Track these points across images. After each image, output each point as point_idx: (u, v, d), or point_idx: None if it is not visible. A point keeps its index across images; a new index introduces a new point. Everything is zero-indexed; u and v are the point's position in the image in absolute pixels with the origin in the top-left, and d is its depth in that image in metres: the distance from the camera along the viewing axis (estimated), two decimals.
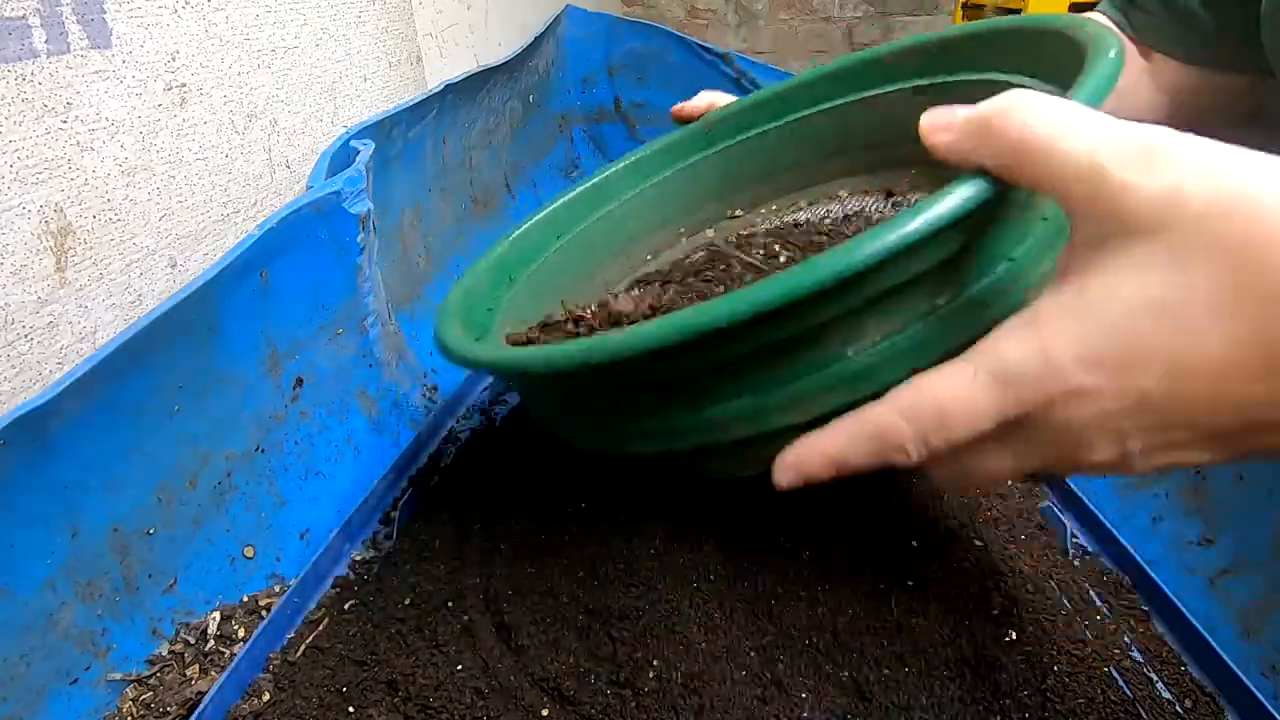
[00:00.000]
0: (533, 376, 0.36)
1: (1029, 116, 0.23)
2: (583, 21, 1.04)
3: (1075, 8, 1.38)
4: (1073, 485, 0.48)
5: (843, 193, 0.51)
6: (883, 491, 0.42)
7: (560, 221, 0.53)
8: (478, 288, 0.45)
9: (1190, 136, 0.22)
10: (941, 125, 0.26)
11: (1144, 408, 0.22)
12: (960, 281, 0.28)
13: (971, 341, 0.25)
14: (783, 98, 0.52)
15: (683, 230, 0.56)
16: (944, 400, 0.24)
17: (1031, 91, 0.25)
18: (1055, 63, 0.34)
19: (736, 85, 1.02)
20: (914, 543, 0.39)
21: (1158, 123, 0.23)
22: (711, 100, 0.55)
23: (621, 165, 0.55)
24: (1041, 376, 0.23)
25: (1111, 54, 0.29)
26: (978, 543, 0.40)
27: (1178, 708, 0.36)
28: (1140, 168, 0.21)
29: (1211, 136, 0.22)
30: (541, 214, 0.52)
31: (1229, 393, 0.21)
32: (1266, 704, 0.35)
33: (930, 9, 2.07)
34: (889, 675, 0.33)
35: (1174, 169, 0.21)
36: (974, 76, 0.41)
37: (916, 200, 0.45)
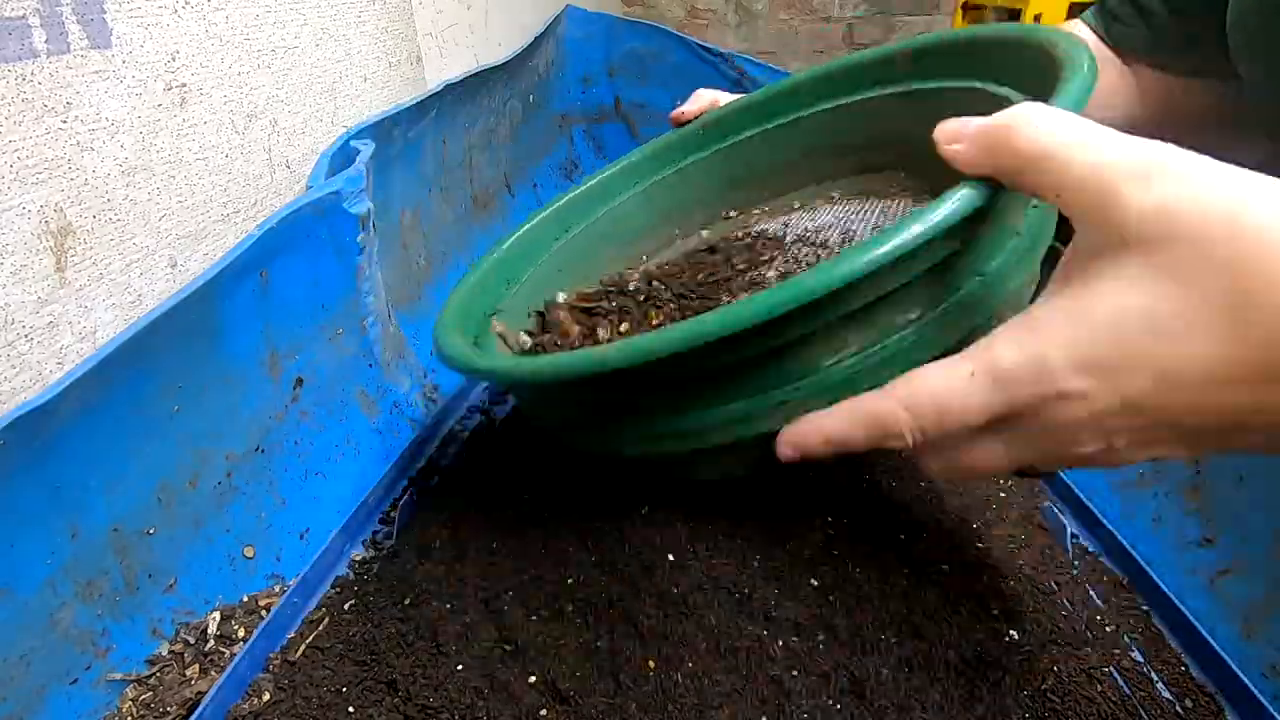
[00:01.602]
0: (531, 385, 0.37)
1: (1038, 129, 0.25)
2: (583, 21, 1.04)
3: (1076, 7, 1.38)
4: (1073, 485, 0.48)
5: (835, 194, 0.51)
6: (883, 493, 0.42)
7: (557, 224, 0.53)
8: (476, 293, 0.46)
9: (1190, 155, 0.23)
10: (955, 135, 0.27)
11: (1132, 410, 0.23)
12: (935, 296, 0.29)
13: (947, 353, 0.27)
14: (776, 100, 0.53)
15: (678, 231, 0.56)
16: (941, 394, 0.25)
17: (1039, 105, 0.26)
18: (1033, 73, 0.36)
19: (736, 85, 1.02)
20: (914, 544, 0.39)
21: (1138, 129, 0.24)
22: (711, 99, 0.55)
23: (618, 167, 0.56)
24: (1035, 378, 0.24)
25: (1085, 68, 0.30)
26: (978, 543, 0.40)
27: (1178, 708, 0.36)
28: (1140, 183, 0.22)
29: (1189, 141, 0.23)
30: (539, 217, 0.53)
31: (1213, 399, 0.22)
32: (1266, 704, 0.35)
33: (930, 9, 2.07)
34: (889, 675, 0.33)
35: (1171, 187, 0.22)
36: (958, 84, 0.42)
37: (906, 205, 0.45)
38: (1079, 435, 0.24)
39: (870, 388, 0.28)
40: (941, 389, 0.25)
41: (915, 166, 0.47)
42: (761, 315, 0.26)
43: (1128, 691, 0.35)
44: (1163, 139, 0.24)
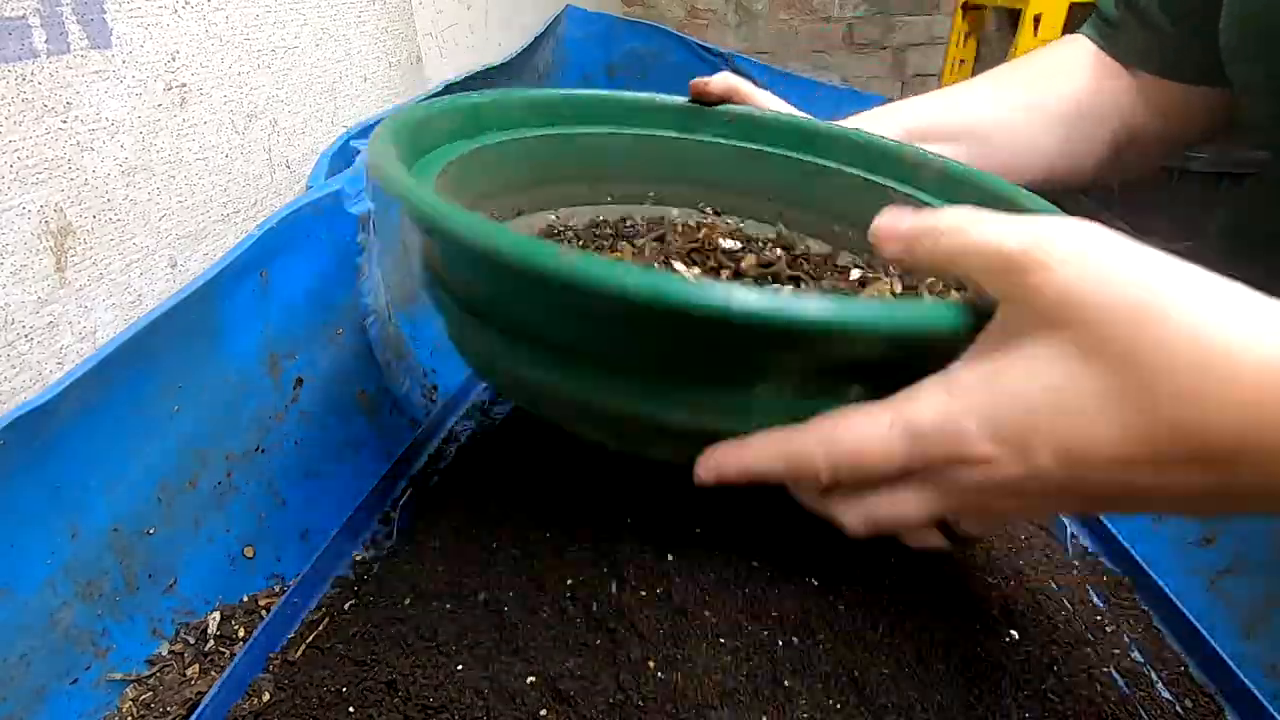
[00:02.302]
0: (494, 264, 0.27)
1: (949, 227, 0.27)
2: (583, 21, 1.04)
3: (1076, 8, 1.38)
4: None
5: (817, 245, 0.52)
6: None
7: (545, 112, 0.49)
8: (435, 123, 0.41)
9: (1109, 234, 0.24)
10: (888, 236, 0.29)
11: (1039, 479, 0.24)
12: (879, 387, 0.29)
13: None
14: (802, 134, 0.52)
15: (653, 194, 0.54)
16: (860, 440, 0.27)
17: (947, 209, 0.27)
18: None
19: None
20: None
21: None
22: (730, 86, 0.53)
23: (633, 97, 0.52)
24: (949, 439, 0.25)
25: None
26: (978, 543, 0.40)
27: (1178, 708, 0.36)
28: (1053, 265, 0.24)
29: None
30: (534, 95, 0.48)
31: (1117, 477, 0.23)
32: (1266, 704, 0.35)
33: (930, 8, 2.07)
34: (889, 675, 0.33)
35: (1082, 268, 0.23)
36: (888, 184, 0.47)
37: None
38: (990, 495, 0.26)
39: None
40: (860, 435, 0.27)
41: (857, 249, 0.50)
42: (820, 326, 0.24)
43: (1128, 691, 0.35)
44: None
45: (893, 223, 0.28)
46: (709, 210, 0.55)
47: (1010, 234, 0.25)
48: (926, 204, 0.46)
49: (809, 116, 0.53)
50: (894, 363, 0.28)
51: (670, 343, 0.28)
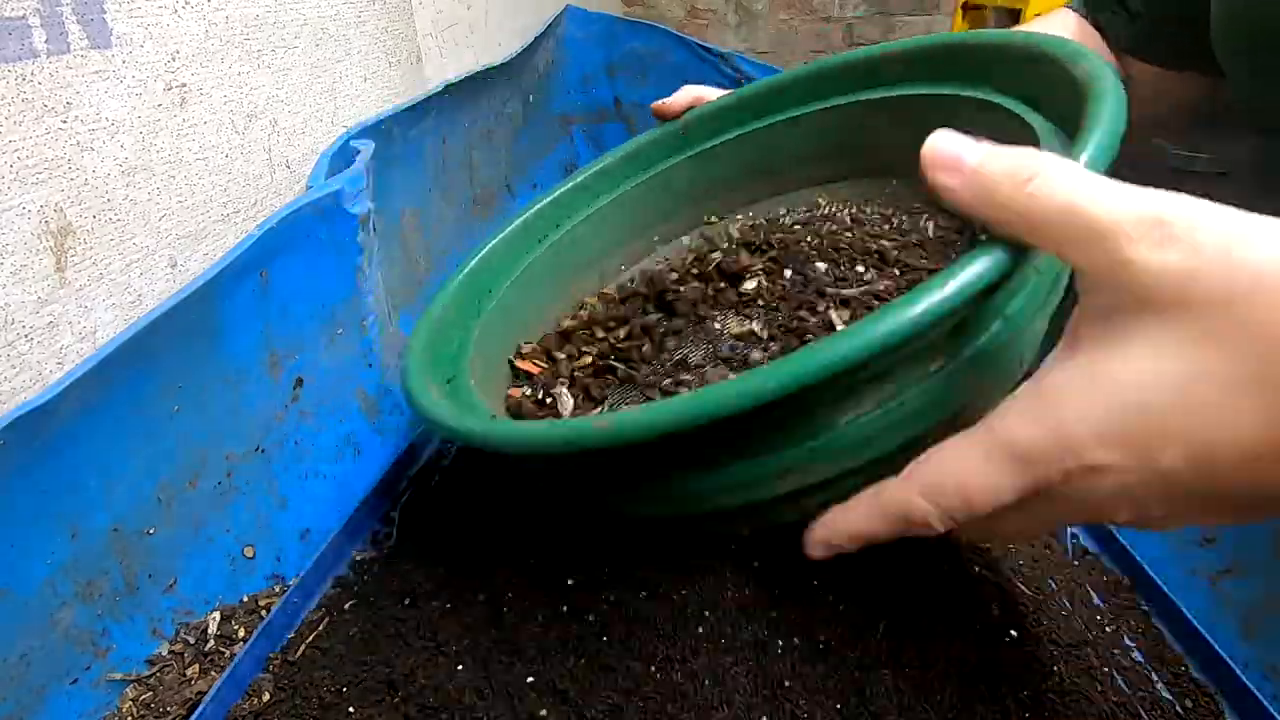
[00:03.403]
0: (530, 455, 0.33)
1: (1041, 181, 0.23)
2: (583, 21, 1.04)
3: None
4: None
5: (820, 200, 0.50)
6: None
7: (533, 233, 0.50)
8: (447, 315, 0.43)
9: (1204, 205, 0.21)
10: (946, 165, 0.25)
11: (1165, 484, 0.22)
12: (957, 344, 0.27)
13: (969, 404, 0.25)
14: (764, 99, 0.50)
15: (657, 238, 0.54)
16: (963, 479, 0.24)
17: (1042, 154, 0.24)
18: (1049, 93, 0.33)
19: (735, 85, 1.02)
20: (914, 545, 0.38)
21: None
22: (695, 96, 0.53)
23: (593, 170, 0.53)
24: (1059, 454, 0.23)
25: (1115, 100, 0.27)
26: (978, 544, 0.40)
27: (1178, 708, 0.36)
28: (1154, 241, 0.21)
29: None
30: (513, 226, 0.49)
31: (1252, 473, 0.21)
32: (1266, 704, 0.35)
33: (930, 8, 2.07)
34: (889, 676, 0.33)
35: (1188, 243, 0.21)
36: (962, 93, 0.39)
37: (899, 218, 0.44)
38: (1110, 505, 0.23)
39: (889, 448, 0.27)
40: (963, 474, 0.24)
41: (906, 175, 0.45)
42: (779, 390, 0.23)
43: (1128, 691, 0.35)
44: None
45: (954, 150, 0.24)
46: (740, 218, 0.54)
47: (1121, 201, 0.21)
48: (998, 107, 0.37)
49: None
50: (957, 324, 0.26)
51: (734, 431, 0.27)
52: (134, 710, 0.36)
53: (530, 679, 0.34)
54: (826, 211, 0.49)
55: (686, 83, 0.54)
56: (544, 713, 0.33)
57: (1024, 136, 0.32)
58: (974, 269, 0.24)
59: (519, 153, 0.93)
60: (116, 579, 0.37)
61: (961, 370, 0.27)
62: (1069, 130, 0.30)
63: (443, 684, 0.35)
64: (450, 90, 0.68)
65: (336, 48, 0.60)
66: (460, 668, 0.35)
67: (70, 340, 0.39)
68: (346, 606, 0.41)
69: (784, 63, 2.00)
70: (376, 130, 0.57)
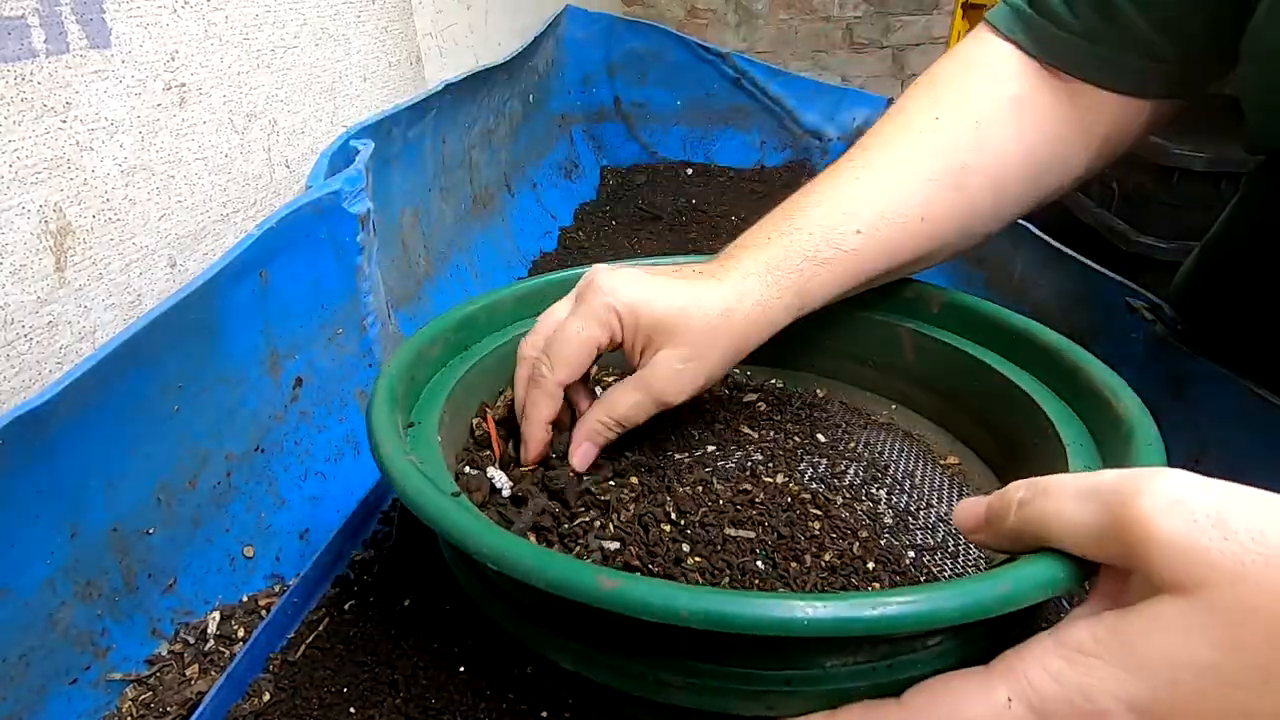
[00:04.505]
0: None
1: (1016, 506, 0.26)
2: (583, 21, 1.04)
3: None
4: None
5: (820, 391, 0.49)
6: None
7: (535, 301, 0.46)
8: (428, 353, 0.42)
9: (1200, 481, 0.22)
10: (970, 526, 0.29)
11: None
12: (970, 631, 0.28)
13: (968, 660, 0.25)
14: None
15: None
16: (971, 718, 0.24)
17: (1020, 482, 0.27)
18: (1088, 408, 0.37)
19: (736, 85, 1.02)
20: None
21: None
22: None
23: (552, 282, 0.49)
24: (1083, 715, 0.23)
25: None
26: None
27: None
28: (1150, 517, 0.22)
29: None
30: (521, 288, 0.47)
31: None
32: None
33: (930, 8, 2.07)
34: None
35: (1184, 518, 0.22)
36: (993, 363, 0.42)
37: (895, 443, 0.43)
38: None
39: (868, 689, 0.27)
40: (976, 716, 0.24)
41: (903, 398, 0.48)
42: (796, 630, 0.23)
43: None
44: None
45: (971, 513, 0.28)
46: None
47: (1097, 488, 0.24)
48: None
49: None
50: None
51: (721, 642, 0.26)
52: (134, 710, 0.36)
53: (530, 680, 0.34)
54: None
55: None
56: (543, 713, 0.33)
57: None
58: (1032, 582, 0.25)
59: (518, 152, 0.93)
60: (116, 579, 0.37)
61: (970, 635, 0.28)
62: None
63: (443, 684, 0.35)
64: (450, 90, 0.69)
65: (336, 48, 0.60)
66: (461, 668, 0.35)
67: (70, 340, 0.39)
68: (346, 606, 0.41)
69: (784, 62, 2.00)
70: (376, 130, 0.57)
